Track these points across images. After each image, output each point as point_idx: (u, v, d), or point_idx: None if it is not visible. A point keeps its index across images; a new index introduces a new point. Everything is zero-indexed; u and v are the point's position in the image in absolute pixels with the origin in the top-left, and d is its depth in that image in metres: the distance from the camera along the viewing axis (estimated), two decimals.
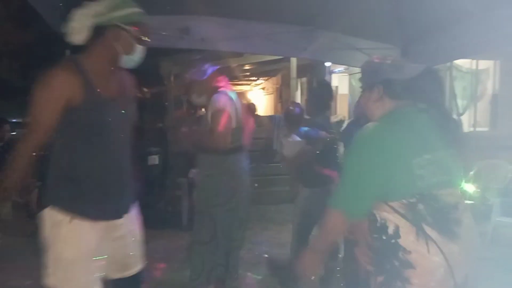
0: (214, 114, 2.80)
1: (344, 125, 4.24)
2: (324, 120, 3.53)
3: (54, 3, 3.84)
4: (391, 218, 1.49)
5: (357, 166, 1.53)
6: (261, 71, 10.71)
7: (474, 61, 7.02)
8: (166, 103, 7.39)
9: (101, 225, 1.79)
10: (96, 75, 1.78)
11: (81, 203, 1.76)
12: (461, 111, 7.06)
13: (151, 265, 3.69)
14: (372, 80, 1.69)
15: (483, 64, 7.07)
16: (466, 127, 7.24)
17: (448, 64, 6.60)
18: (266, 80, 12.74)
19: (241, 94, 14.38)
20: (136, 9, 1.85)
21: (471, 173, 5.69)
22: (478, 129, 7.26)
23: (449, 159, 1.55)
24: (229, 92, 2.96)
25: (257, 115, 7.98)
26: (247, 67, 9.96)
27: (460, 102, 7.07)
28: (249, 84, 13.59)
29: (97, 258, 1.78)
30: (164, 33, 4.50)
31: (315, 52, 5.31)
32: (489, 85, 7.15)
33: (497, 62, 7.02)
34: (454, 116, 6.97)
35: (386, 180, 1.48)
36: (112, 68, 1.87)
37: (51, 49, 5.07)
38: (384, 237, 1.49)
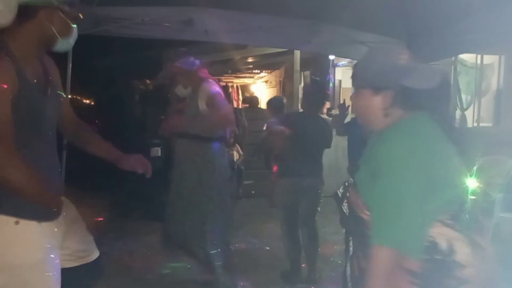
0: (210, 99, 2.85)
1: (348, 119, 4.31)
2: (315, 117, 3.57)
3: None
4: (442, 233, 1.31)
5: (404, 192, 1.29)
6: (264, 64, 10.67)
7: (479, 56, 6.98)
8: (169, 95, 7.39)
9: (45, 224, 1.62)
10: (27, 62, 1.56)
11: (23, 203, 1.55)
12: (464, 106, 7.03)
13: (154, 257, 3.73)
14: (381, 81, 1.37)
15: (488, 59, 7.01)
16: (470, 123, 7.22)
17: (453, 58, 6.57)
18: (269, 73, 12.70)
19: (244, 87, 14.39)
20: None
21: (474, 168, 5.67)
22: (481, 124, 7.24)
23: (461, 165, 1.45)
24: (215, 85, 3.02)
25: (259, 108, 7.97)
26: (250, 60, 9.93)
27: (464, 97, 7.04)
28: (252, 77, 13.56)
29: (52, 256, 1.60)
30: (167, 24, 4.50)
31: (319, 45, 5.29)
32: (494, 81, 7.10)
33: (502, 57, 6.97)
34: (456, 120, 6.99)
35: (434, 197, 1.31)
36: (44, 52, 1.68)
37: None
38: (437, 256, 1.29)
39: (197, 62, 3.08)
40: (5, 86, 1.46)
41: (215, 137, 3.01)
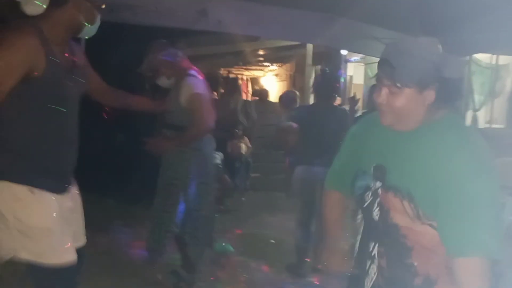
0: (192, 98, 2.88)
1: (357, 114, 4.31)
2: (327, 108, 3.57)
3: None
4: None
5: (493, 199, 1.21)
6: (275, 57, 10.60)
7: (495, 56, 6.87)
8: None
9: (56, 196, 1.78)
10: (57, 45, 1.73)
11: (38, 175, 1.72)
12: (477, 106, 6.94)
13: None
14: (429, 77, 1.23)
15: (504, 59, 6.91)
16: (482, 123, 7.13)
17: (467, 57, 6.48)
18: (280, 66, 12.63)
19: (254, 80, 14.35)
20: None
21: None
22: (494, 125, 7.14)
23: None
24: (198, 76, 3.02)
25: (269, 101, 7.94)
26: (261, 53, 9.86)
27: (477, 98, 6.95)
28: (262, 70, 13.49)
29: (63, 224, 1.77)
30: (181, 13, 4.48)
31: (332, 39, 5.23)
32: (509, 82, 7.00)
33: None
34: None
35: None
36: (71, 38, 1.83)
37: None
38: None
39: (180, 53, 3.09)
40: (27, 63, 1.63)
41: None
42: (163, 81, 3.05)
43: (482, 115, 7.18)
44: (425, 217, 1.26)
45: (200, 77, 3.05)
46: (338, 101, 6.49)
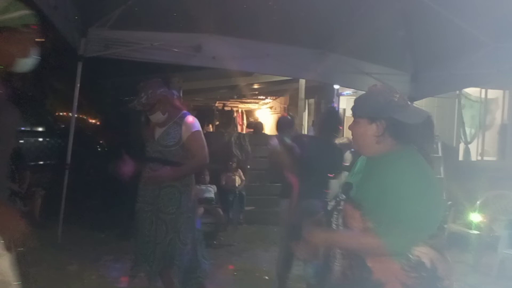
0: (194, 135, 3.00)
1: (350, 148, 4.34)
2: (327, 143, 3.60)
3: (69, 16, 3.93)
4: (425, 253, 1.51)
5: (419, 203, 1.48)
6: (269, 90, 10.75)
7: (484, 90, 7.03)
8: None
9: None
10: None
11: None
12: (468, 139, 7.02)
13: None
14: (376, 112, 1.61)
15: (493, 93, 7.05)
16: (474, 156, 7.20)
17: (457, 92, 6.62)
18: (274, 99, 12.80)
19: (248, 112, 14.48)
20: (28, 11, 1.71)
21: (478, 203, 5.62)
22: (485, 158, 7.21)
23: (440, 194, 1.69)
24: (193, 116, 3.17)
25: (263, 133, 7.98)
26: (256, 86, 10.01)
27: (468, 130, 7.04)
28: (257, 103, 13.65)
29: None
30: (176, 49, 4.58)
31: (325, 75, 5.35)
32: (498, 115, 7.12)
33: (507, 92, 7.01)
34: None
35: (429, 218, 1.53)
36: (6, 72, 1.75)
37: (62, 59, 5.17)
38: (424, 273, 1.49)
39: (175, 92, 3.24)
40: None
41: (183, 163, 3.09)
42: (157, 117, 3.09)
43: (474, 148, 7.25)
44: (371, 226, 1.54)
45: (196, 121, 3.16)
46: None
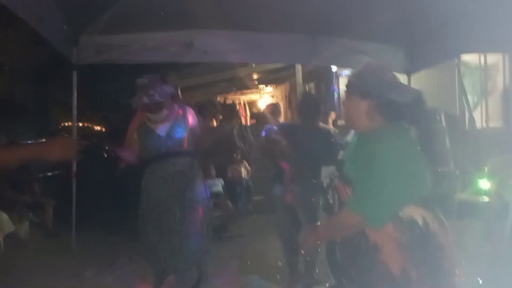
0: (198, 124, 3.20)
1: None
2: (310, 129, 3.58)
3: (58, 27, 3.96)
4: (418, 213, 1.62)
5: (386, 175, 1.59)
6: (269, 79, 10.75)
7: (482, 56, 6.93)
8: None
9: None
10: None
11: None
12: (472, 107, 6.95)
13: None
14: (368, 90, 1.69)
15: (492, 58, 6.96)
16: (478, 124, 7.13)
17: (456, 61, 6.54)
18: (275, 87, 12.78)
19: (251, 103, 14.48)
20: None
21: (486, 169, 5.59)
22: (490, 125, 7.14)
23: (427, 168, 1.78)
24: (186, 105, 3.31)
25: (263, 123, 7.99)
26: (255, 76, 10.01)
27: (471, 99, 6.97)
28: (258, 93, 13.64)
29: None
30: (168, 48, 4.59)
31: (319, 58, 5.33)
32: (500, 80, 7.02)
33: (506, 55, 6.90)
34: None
35: (409, 187, 1.64)
36: None
37: (57, 70, 5.22)
38: (417, 232, 1.60)
39: (173, 87, 3.34)
40: None
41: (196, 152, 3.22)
42: (162, 114, 3.06)
43: (478, 115, 7.18)
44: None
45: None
46: (332, 115, 6.55)
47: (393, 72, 1.76)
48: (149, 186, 3.11)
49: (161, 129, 3.07)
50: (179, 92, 3.64)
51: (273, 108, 5.05)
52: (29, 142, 7.11)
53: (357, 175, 1.67)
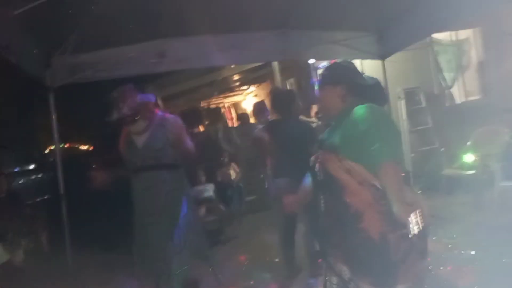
0: (179, 133, 3.06)
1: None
2: (288, 122, 3.65)
3: (28, 51, 3.94)
4: None
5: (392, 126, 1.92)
6: (249, 79, 10.77)
7: (454, 32, 7.04)
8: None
9: None
10: None
11: None
12: (449, 84, 7.06)
13: None
14: (339, 78, 2.04)
15: (463, 34, 7.08)
16: (458, 99, 7.24)
17: (428, 40, 6.63)
18: (257, 86, 12.82)
19: (235, 105, 14.51)
20: None
21: (469, 143, 5.69)
22: (469, 98, 7.26)
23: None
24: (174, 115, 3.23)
25: (251, 123, 8.03)
26: (235, 77, 10.03)
27: (447, 75, 7.07)
28: (241, 94, 13.66)
29: None
30: (145, 60, 4.57)
31: (294, 52, 5.35)
32: (473, 54, 7.14)
33: (477, 30, 7.03)
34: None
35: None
36: None
37: (34, 96, 5.20)
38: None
39: (153, 95, 3.19)
40: None
41: (176, 162, 3.11)
42: (139, 124, 3.01)
43: (456, 91, 7.29)
44: (348, 163, 1.84)
45: (179, 119, 3.21)
46: (314, 108, 6.59)
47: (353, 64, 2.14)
48: (133, 199, 3.11)
49: (139, 140, 3.03)
50: (159, 102, 3.51)
51: (259, 106, 5.08)
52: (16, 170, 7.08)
53: (342, 139, 1.88)
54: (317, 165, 1.98)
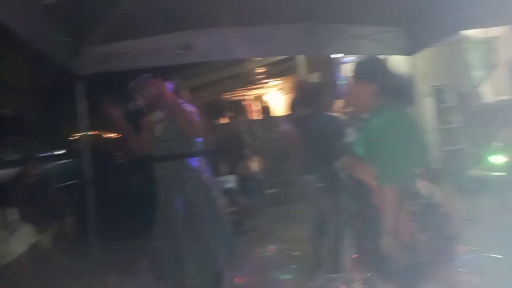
0: (194, 122, 2.98)
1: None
2: (313, 117, 3.60)
3: (59, 41, 4.06)
4: (421, 184, 1.83)
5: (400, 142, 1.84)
6: (274, 72, 10.74)
7: (485, 29, 6.81)
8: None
9: None
10: None
11: None
12: (479, 82, 6.85)
13: None
14: (373, 76, 1.98)
15: (495, 31, 6.83)
16: (489, 98, 7.02)
17: (458, 36, 6.44)
18: (281, 80, 12.76)
19: (258, 98, 14.50)
20: None
21: (497, 144, 5.53)
22: (500, 97, 7.02)
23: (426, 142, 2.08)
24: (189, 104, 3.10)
25: (273, 116, 8.04)
26: (259, 70, 10.03)
27: (477, 73, 6.86)
28: (265, 87, 13.64)
29: None
30: (171, 51, 4.63)
31: (319, 46, 5.32)
32: (505, 52, 6.90)
33: (509, 27, 6.77)
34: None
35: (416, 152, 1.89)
36: None
37: (64, 84, 5.36)
38: (422, 201, 1.80)
39: (169, 83, 3.10)
40: None
41: (192, 153, 3.05)
42: (158, 115, 3.01)
43: (487, 89, 7.07)
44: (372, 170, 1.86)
45: (192, 107, 3.10)
46: (339, 102, 6.51)
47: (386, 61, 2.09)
48: (154, 190, 3.13)
49: (157, 130, 3.03)
50: (183, 92, 3.47)
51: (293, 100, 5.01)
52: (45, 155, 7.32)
53: (368, 149, 1.88)
54: (344, 169, 2.02)
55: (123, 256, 4.80)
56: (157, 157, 3.05)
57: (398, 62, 5.63)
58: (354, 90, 2.05)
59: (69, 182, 6.42)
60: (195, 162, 3.04)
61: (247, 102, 12.93)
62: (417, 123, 2.04)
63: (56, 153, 7.85)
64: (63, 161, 7.48)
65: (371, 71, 2.01)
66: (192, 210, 2.97)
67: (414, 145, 1.88)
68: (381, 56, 2.13)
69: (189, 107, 3.02)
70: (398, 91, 1.96)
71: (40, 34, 3.47)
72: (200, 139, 3.07)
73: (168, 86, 3.06)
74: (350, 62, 8.22)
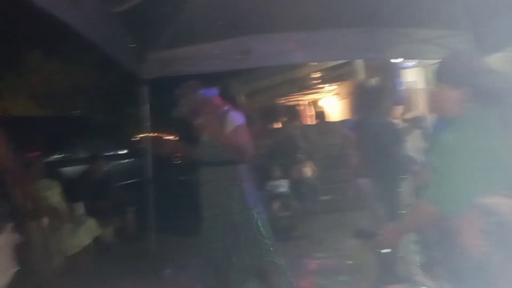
0: (236, 129, 2.93)
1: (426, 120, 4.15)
2: (368, 122, 3.50)
3: (126, 46, 4.30)
4: (501, 202, 1.63)
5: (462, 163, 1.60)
6: (330, 77, 10.63)
7: None
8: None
9: None
10: None
11: None
12: None
13: None
14: (462, 79, 1.68)
15: None
16: None
17: None
18: (339, 85, 12.58)
19: (314, 103, 14.41)
20: None
21: None
22: None
23: None
24: (234, 110, 3.07)
25: (328, 122, 7.95)
26: (315, 75, 9.97)
27: None
28: (321, 92, 13.52)
29: None
30: (230, 56, 4.73)
31: (379, 51, 5.19)
32: None
33: None
34: None
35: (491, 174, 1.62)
36: None
37: (129, 87, 5.66)
38: (498, 219, 1.62)
39: (215, 91, 3.13)
40: None
41: (237, 160, 3.01)
42: (201, 123, 3.03)
43: None
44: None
45: (240, 115, 3.09)
46: (399, 109, 6.30)
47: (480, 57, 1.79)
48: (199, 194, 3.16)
49: (203, 136, 3.09)
50: (238, 97, 3.51)
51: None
52: (109, 154, 7.74)
53: (440, 161, 1.69)
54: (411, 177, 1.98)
55: (179, 252, 4.97)
56: (203, 161, 3.09)
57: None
58: (437, 94, 1.80)
59: (130, 181, 6.74)
60: (238, 170, 3.02)
61: (302, 107, 12.93)
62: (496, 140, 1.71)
63: (119, 152, 8.30)
64: (126, 161, 7.88)
65: (458, 74, 1.70)
66: (229, 218, 2.97)
67: (496, 163, 1.61)
68: (469, 55, 1.78)
69: (235, 116, 2.99)
70: (492, 93, 1.66)
71: (109, 39, 3.70)
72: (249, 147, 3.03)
73: (212, 93, 3.09)
74: (413, 67, 7.94)
